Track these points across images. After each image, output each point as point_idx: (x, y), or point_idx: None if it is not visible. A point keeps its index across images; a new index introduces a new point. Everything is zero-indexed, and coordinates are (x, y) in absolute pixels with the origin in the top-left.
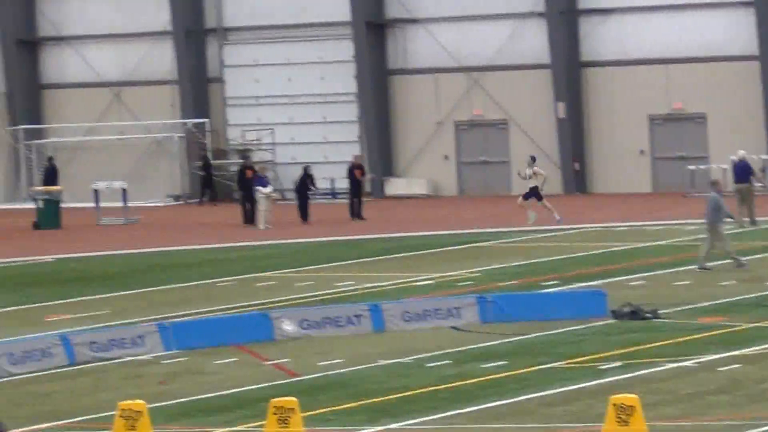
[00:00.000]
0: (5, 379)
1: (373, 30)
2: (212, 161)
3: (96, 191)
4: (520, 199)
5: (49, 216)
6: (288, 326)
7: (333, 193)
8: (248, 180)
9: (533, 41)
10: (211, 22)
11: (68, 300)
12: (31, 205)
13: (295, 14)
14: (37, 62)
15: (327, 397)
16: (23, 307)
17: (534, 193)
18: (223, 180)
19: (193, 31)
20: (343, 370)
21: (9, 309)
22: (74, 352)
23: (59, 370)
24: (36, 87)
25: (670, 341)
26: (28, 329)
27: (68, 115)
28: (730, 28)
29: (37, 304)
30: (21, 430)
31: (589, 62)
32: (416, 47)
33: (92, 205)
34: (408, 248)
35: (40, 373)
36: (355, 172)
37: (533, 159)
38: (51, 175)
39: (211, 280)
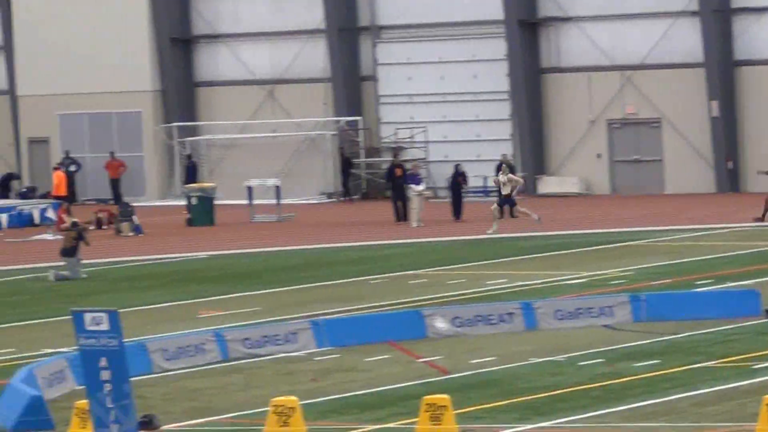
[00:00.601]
0: (159, 375)
1: (526, 28)
2: (365, 159)
3: (249, 188)
4: (495, 206)
5: (203, 213)
6: (440, 324)
7: (485, 191)
8: (398, 178)
9: (686, 40)
10: (365, 20)
11: (221, 296)
12: (184, 202)
13: (447, 13)
14: (191, 60)
15: (478, 394)
16: (177, 303)
17: (507, 201)
18: (376, 178)
19: (346, 29)
20: (495, 368)
21: (163, 305)
22: (227, 348)
23: (212, 366)
24: (190, 85)
25: None
26: (182, 325)
27: (222, 113)
28: None
29: (190, 301)
30: (174, 425)
31: (743, 61)
32: (569, 45)
33: (245, 202)
34: (559, 246)
35: (193, 369)
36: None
37: (508, 166)
38: (192, 173)
39: (363, 278)
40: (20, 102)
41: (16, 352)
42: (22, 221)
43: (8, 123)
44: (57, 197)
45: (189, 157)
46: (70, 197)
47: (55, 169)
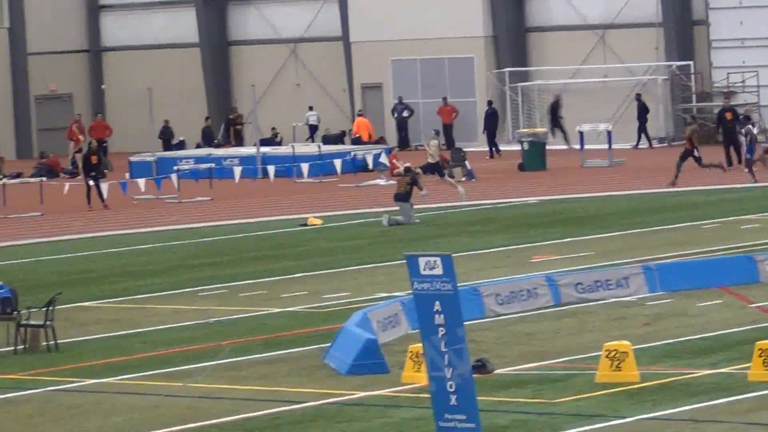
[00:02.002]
0: (493, 319)
1: None
2: (696, 104)
3: (581, 133)
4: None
5: (534, 158)
6: None
7: None
8: (729, 122)
9: None
10: None
11: (553, 241)
12: (516, 147)
13: None
14: (523, 6)
15: None
16: (510, 248)
17: (436, 168)
18: (707, 123)
19: None
20: None
21: (496, 250)
22: (560, 293)
23: (544, 311)
24: (521, 30)
25: None
26: (515, 270)
27: (553, 58)
28: None
29: (523, 245)
30: (507, 369)
31: None
32: None
33: (576, 147)
34: None
35: (525, 314)
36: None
37: (436, 133)
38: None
39: (693, 223)
40: (353, 48)
41: (351, 296)
42: (355, 166)
43: (342, 69)
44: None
45: (489, 103)
46: (403, 143)
47: (359, 115)
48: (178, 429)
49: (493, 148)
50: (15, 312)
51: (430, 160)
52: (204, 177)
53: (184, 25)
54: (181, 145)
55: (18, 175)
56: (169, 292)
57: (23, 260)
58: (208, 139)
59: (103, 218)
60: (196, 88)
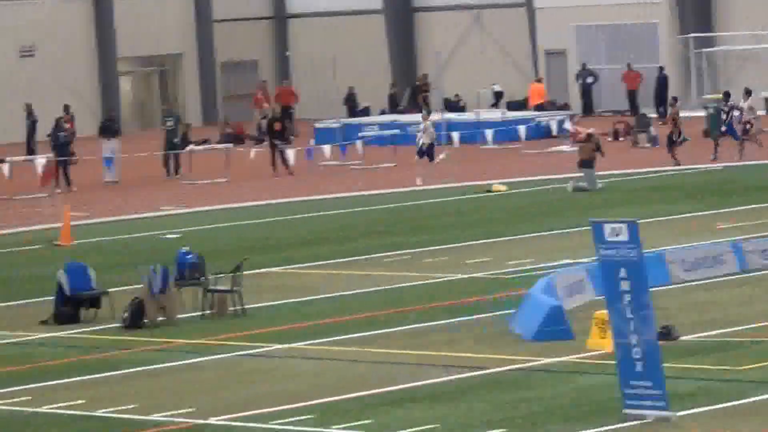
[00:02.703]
0: (678, 286)
1: None
2: None
3: (767, 99)
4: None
5: (719, 124)
6: None
7: None
8: None
9: None
10: None
11: (739, 208)
12: (701, 113)
13: None
14: None
15: None
16: (695, 214)
17: (428, 151)
18: None
19: None
20: None
21: (682, 216)
22: (745, 260)
23: (729, 278)
24: None
25: None
26: (701, 237)
27: (739, 23)
28: None
29: (708, 212)
30: (691, 336)
31: None
32: None
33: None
34: None
35: (710, 280)
36: None
37: (428, 113)
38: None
39: None
40: (537, 14)
41: (535, 262)
42: (539, 133)
43: (525, 35)
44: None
45: (661, 69)
46: (587, 109)
47: (537, 81)
48: (363, 394)
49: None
50: (202, 278)
51: (425, 140)
52: (388, 143)
53: None
54: (365, 112)
55: (204, 142)
56: (354, 258)
57: (210, 226)
58: (393, 105)
59: (288, 184)
60: (380, 55)
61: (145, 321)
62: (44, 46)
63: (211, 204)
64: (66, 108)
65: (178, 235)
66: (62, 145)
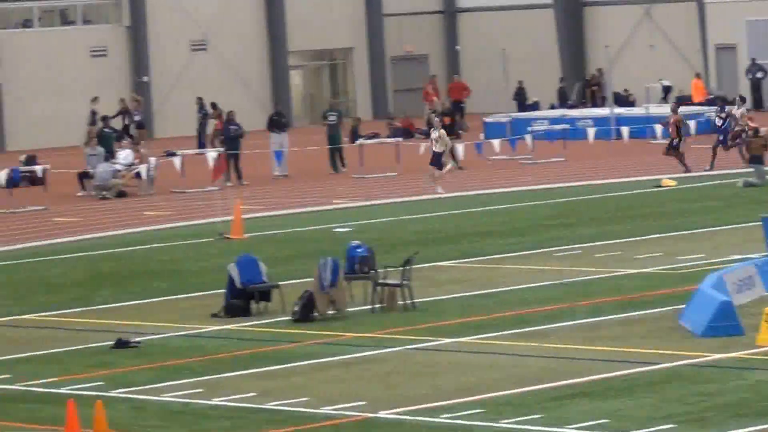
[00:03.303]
0: None
1: None
2: None
3: None
4: (434, 169)
5: None
6: None
7: None
8: None
9: None
10: None
11: None
12: None
13: None
14: None
15: None
16: None
17: (437, 161)
18: None
19: None
20: None
21: None
22: None
23: None
24: None
25: None
26: None
27: None
28: None
29: None
30: None
31: None
32: None
33: None
34: None
35: None
36: None
37: (440, 121)
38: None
39: None
40: (707, 8)
41: (706, 257)
42: (708, 127)
43: (695, 29)
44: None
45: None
46: (757, 104)
47: (696, 76)
48: (533, 389)
49: None
50: (372, 271)
51: (437, 149)
52: (558, 138)
53: None
54: (535, 106)
55: (374, 136)
56: (524, 252)
57: (380, 219)
58: (562, 99)
59: (458, 178)
60: (549, 50)
61: (316, 314)
62: (216, 40)
63: (381, 198)
64: (213, 105)
65: (348, 229)
66: (233, 138)
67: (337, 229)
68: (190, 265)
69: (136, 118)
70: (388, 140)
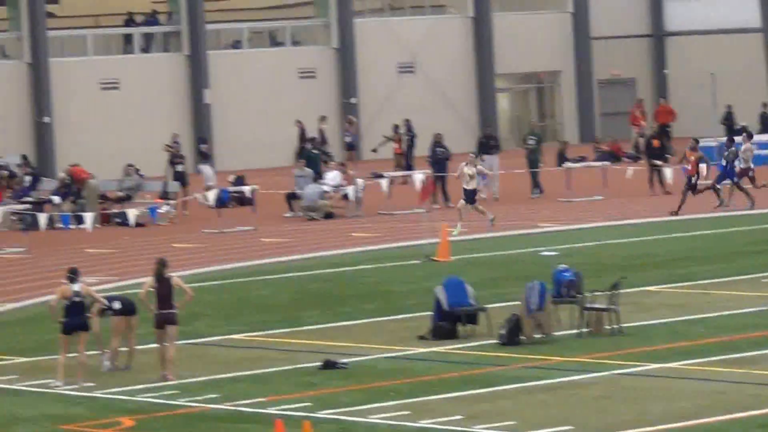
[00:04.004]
0: None
1: None
2: None
3: None
4: (462, 202)
5: None
6: None
7: None
8: None
9: None
10: None
11: None
12: None
13: None
14: None
15: None
16: None
17: (471, 196)
18: None
19: None
20: None
21: None
22: None
23: None
24: None
25: None
26: None
27: None
28: None
29: None
30: None
31: None
32: None
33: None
34: None
35: None
36: None
37: (476, 156)
38: None
39: None
40: None
41: None
42: None
43: None
44: None
45: None
46: None
47: None
48: (741, 416)
49: None
50: (579, 295)
51: (470, 186)
52: (764, 163)
53: (748, 9)
54: (741, 131)
55: (581, 159)
56: (732, 278)
57: (587, 243)
58: (764, 125)
59: (666, 203)
60: (757, 74)
61: (522, 338)
62: (424, 62)
63: (589, 221)
64: (396, 127)
65: (555, 252)
66: (440, 161)
67: (544, 253)
68: (397, 287)
69: (347, 139)
70: (595, 164)
